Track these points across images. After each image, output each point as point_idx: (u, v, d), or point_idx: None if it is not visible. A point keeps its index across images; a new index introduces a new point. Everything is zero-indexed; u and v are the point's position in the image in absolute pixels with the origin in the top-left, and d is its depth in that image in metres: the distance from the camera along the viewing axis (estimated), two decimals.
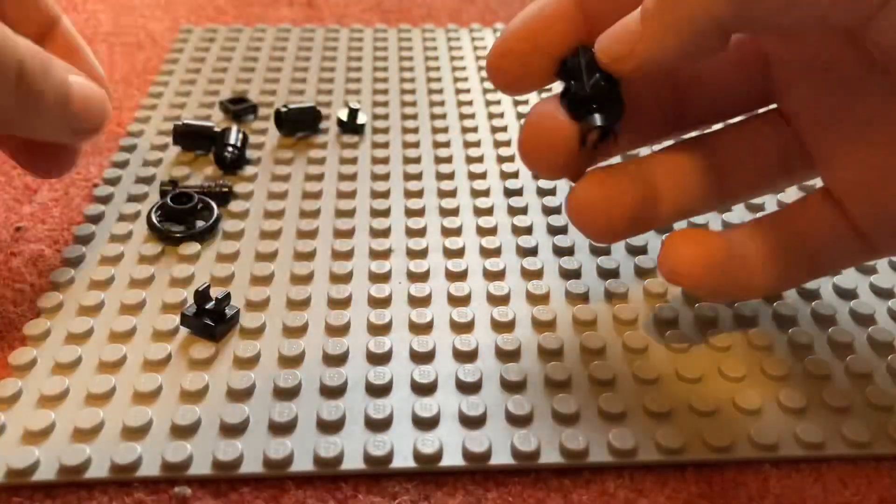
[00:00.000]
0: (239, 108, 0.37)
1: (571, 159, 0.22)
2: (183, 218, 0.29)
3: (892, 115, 0.21)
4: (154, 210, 0.29)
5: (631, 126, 0.23)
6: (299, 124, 0.35)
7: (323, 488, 0.20)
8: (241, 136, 0.33)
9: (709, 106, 0.25)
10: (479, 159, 0.34)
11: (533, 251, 0.28)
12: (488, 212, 0.31)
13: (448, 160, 0.34)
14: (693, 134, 0.25)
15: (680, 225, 0.29)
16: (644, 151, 0.31)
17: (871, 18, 0.19)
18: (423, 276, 0.27)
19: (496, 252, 0.28)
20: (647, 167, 0.23)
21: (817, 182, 0.24)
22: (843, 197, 0.23)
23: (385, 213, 0.30)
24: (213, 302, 0.24)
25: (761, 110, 0.25)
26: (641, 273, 0.27)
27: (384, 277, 0.27)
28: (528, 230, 0.29)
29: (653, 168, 0.23)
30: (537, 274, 0.27)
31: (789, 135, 0.24)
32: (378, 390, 0.23)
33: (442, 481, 0.21)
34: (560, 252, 0.28)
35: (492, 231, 0.29)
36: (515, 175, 0.33)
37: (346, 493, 0.20)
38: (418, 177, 0.33)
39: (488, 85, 0.40)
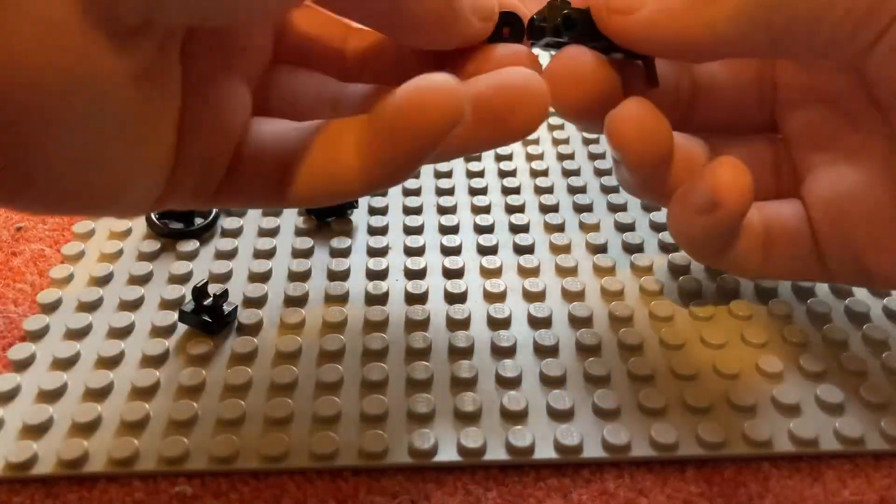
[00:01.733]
0: None
1: (610, 94, 0.23)
2: (181, 215, 0.29)
3: (874, 151, 0.22)
4: None
5: None
6: None
7: (323, 487, 0.21)
8: None
9: (718, 115, 0.26)
10: (477, 157, 0.34)
11: (529, 249, 0.28)
12: (486, 210, 0.31)
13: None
14: None
15: None
16: None
17: (866, 53, 0.20)
18: (420, 274, 0.27)
19: (493, 250, 0.28)
20: None
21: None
22: (814, 215, 0.24)
23: (382, 210, 0.31)
24: (211, 298, 0.24)
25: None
26: (638, 271, 0.27)
27: (381, 275, 0.27)
28: (524, 228, 0.30)
29: None
30: (533, 272, 0.27)
31: (783, 152, 0.25)
32: (374, 386, 0.23)
33: (442, 480, 0.21)
34: (556, 250, 0.28)
35: (489, 229, 0.30)
36: (513, 173, 0.33)
37: (346, 492, 0.20)
38: (416, 175, 0.33)
39: None
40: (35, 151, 0.15)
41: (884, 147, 0.22)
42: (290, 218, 0.30)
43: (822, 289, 0.27)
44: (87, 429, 0.21)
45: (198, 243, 0.28)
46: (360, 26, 0.23)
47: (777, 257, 0.24)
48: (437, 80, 0.17)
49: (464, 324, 0.25)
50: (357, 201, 0.30)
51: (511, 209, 0.31)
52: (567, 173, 0.33)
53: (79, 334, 0.24)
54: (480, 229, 0.30)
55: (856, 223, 0.23)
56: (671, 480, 0.21)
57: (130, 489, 0.20)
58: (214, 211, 0.29)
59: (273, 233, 0.29)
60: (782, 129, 0.25)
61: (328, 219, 0.30)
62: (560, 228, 0.30)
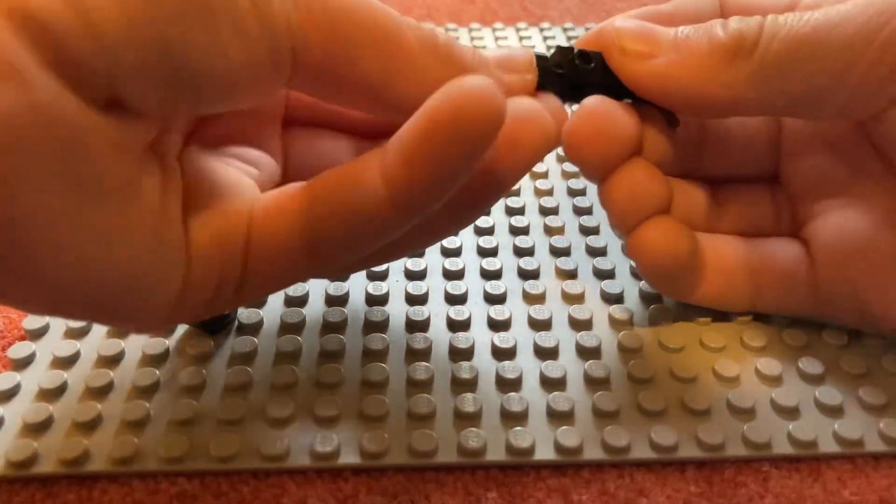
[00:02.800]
0: None
1: (631, 148, 0.23)
2: None
3: (880, 199, 0.23)
4: None
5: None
6: None
7: (323, 488, 0.21)
8: None
9: (727, 160, 0.26)
10: None
11: (530, 252, 0.29)
12: (486, 212, 0.31)
13: None
14: None
15: None
16: None
17: (878, 118, 0.21)
18: (420, 275, 0.27)
19: (493, 252, 0.28)
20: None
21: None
22: (818, 258, 0.24)
23: None
24: None
25: None
26: (636, 275, 0.27)
27: (382, 275, 0.27)
28: (525, 230, 0.30)
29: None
30: (534, 274, 0.27)
31: (783, 199, 0.26)
32: (374, 386, 0.23)
33: (442, 480, 0.21)
34: (556, 252, 0.29)
35: (489, 231, 0.30)
36: None
37: (346, 492, 0.20)
38: None
39: None
40: (14, 211, 0.14)
41: (889, 195, 0.23)
42: None
43: None
44: (88, 428, 0.21)
45: None
46: None
47: (769, 295, 0.25)
48: (473, 83, 0.16)
49: (464, 325, 0.25)
50: None
51: (511, 211, 0.31)
52: (567, 175, 0.33)
53: (79, 333, 0.24)
54: (481, 231, 0.30)
55: (861, 269, 0.23)
56: (671, 480, 0.21)
57: (130, 489, 0.20)
58: None
59: None
60: (785, 175, 0.26)
61: None
62: (560, 231, 0.30)
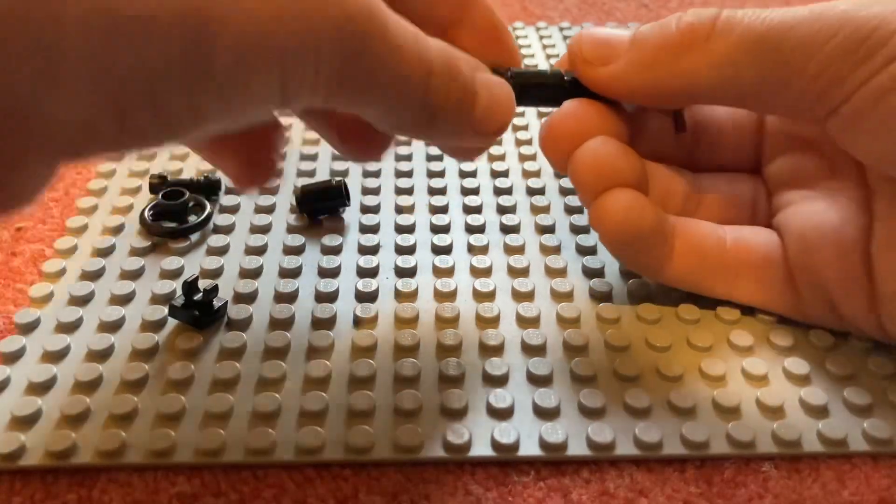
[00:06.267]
0: None
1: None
2: (175, 215, 0.29)
3: (851, 194, 0.24)
4: (147, 208, 0.29)
5: (649, 149, 0.26)
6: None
7: (323, 487, 0.21)
8: None
9: (719, 156, 0.27)
10: None
11: (520, 249, 0.29)
12: (477, 210, 0.31)
13: (439, 158, 0.34)
14: None
15: None
16: None
17: (828, 118, 0.21)
18: (410, 272, 0.27)
19: (483, 249, 0.29)
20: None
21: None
22: (788, 244, 0.24)
23: (375, 209, 0.31)
24: (201, 293, 0.25)
25: None
26: (625, 274, 0.28)
27: (372, 272, 0.27)
28: (515, 229, 0.30)
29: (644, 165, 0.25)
30: (523, 272, 0.28)
31: (761, 190, 0.27)
32: (361, 382, 0.23)
33: (442, 480, 0.21)
34: (546, 251, 0.29)
35: (480, 229, 0.30)
36: (505, 174, 0.33)
37: (346, 492, 0.20)
38: (409, 174, 0.33)
39: None
40: None
41: (859, 193, 0.23)
42: (282, 215, 0.30)
43: None
44: (76, 421, 0.21)
45: (190, 239, 0.28)
46: None
47: (746, 281, 0.25)
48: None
49: (452, 321, 0.25)
50: (349, 199, 0.30)
51: (502, 210, 0.31)
52: (559, 174, 0.33)
53: (69, 328, 0.25)
54: (471, 229, 0.30)
55: (827, 258, 0.23)
56: (671, 480, 0.21)
57: (131, 489, 0.20)
58: (208, 210, 0.30)
59: (265, 230, 0.29)
60: (765, 169, 0.27)
61: (320, 216, 0.30)
62: (550, 230, 0.30)
